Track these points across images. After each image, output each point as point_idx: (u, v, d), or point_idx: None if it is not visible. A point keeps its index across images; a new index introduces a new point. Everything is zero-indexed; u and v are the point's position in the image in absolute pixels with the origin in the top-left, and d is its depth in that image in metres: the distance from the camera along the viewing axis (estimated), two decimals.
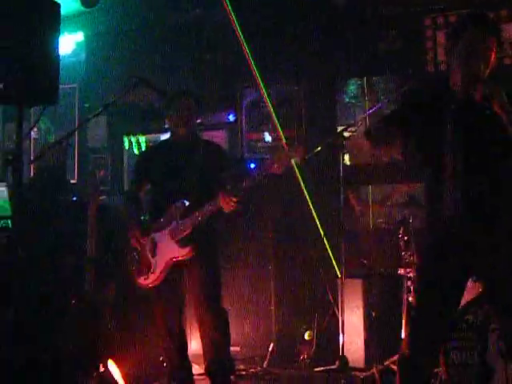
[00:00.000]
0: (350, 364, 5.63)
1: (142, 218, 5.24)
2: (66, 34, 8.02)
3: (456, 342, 4.76)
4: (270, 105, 7.12)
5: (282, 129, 7.07)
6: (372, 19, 6.84)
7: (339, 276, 5.98)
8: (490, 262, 3.55)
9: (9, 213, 6.27)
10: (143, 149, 8.04)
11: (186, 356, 5.18)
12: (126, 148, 8.28)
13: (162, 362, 5.48)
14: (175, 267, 4.95)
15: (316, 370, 6.04)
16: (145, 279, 5.03)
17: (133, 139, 8.20)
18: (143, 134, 8.14)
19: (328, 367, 5.84)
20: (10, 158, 4.18)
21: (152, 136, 8.02)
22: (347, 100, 6.96)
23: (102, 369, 4.75)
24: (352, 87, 6.94)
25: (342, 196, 5.51)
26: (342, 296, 5.54)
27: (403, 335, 5.36)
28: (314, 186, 6.76)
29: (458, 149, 3.54)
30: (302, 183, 6.72)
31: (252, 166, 6.98)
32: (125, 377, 4.94)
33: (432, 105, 3.70)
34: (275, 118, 7.09)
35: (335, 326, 5.76)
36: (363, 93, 6.87)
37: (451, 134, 3.56)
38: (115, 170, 8.41)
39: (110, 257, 5.59)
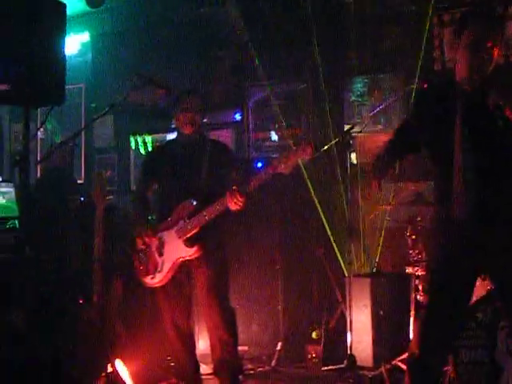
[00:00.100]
0: (358, 363, 5.63)
1: (150, 217, 5.24)
2: (71, 34, 8.03)
3: (465, 341, 4.75)
4: (276, 104, 7.11)
5: (288, 128, 7.06)
6: (378, 17, 6.82)
7: (347, 275, 5.99)
8: (502, 261, 3.54)
9: (16, 213, 6.29)
10: (150, 148, 8.04)
11: (194, 356, 5.18)
12: (133, 148, 8.28)
13: (170, 361, 5.48)
14: (182, 267, 4.95)
15: (324, 368, 6.03)
16: (152, 279, 5.02)
17: (139, 139, 8.21)
18: (149, 133, 8.15)
19: (336, 366, 5.85)
20: (18, 158, 4.18)
21: (158, 136, 8.02)
22: (353, 98, 6.94)
23: (109, 369, 4.75)
24: (358, 85, 6.92)
25: (349, 194, 5.51)
26: (349, 295, 5.54)
27: (411, 334, 5.35)
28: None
29: (466, 148, 3.53)
30: (308, 182, 6.71)
31: (259, 165, 6.98)
32: (132, 376, 4.94)
33: (439, 104, 3.70)
34: (281, 117, 7.08)
35: (343, 325, 5.76)
36: (370, 91, 6.85)
37: (460, 133, 3.55)
38: (122, 170, 8.42)
39: (117, 257, 5.58)
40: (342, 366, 5.63)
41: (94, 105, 8.51)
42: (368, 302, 6.02)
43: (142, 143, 8.18)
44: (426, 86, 4.31)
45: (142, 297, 5.43)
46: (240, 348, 5.32)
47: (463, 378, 4.77)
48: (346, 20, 6.93)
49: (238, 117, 7.58)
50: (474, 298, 4.41)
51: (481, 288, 4.45)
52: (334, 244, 6.47)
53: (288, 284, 6.68)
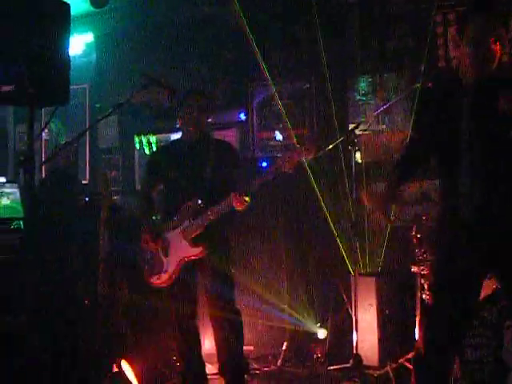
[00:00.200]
0: (364, 362, 5.61)
1: (154, 217, 5.24)
2: (75, 34, 8.02)
3: (470, 340, 4.74)
4: (280, 103, 7.10)
5: (292, 127, 7.05)
6: (382, 16, 6.81)
7: (352, 274, 5.98)
8: (508, 260, 3.53)
9: (21, 214, 6.30)
10: (154, 149, 8.04)
11: (200, 355, 5.17)
12: (137, 148, 8.28)
13: (176, 361, 5.48)
14: (188, 267, 4.94)
15: (330, 368, 6.03)
16: (157, 279, 5.02)
17: (143, 139, 8.20)
18: (154, 133, 8.14)
19: (342, 365, 5.85)
20: (22, 159, 4.18)
21: (163, 136, 8.02)
22: (358, 98, 6.94)
23: (115, 369, 4.75)
24: (363, 85, 6.91)
25: (354, 193, 5.50)
26: (355, 294, 5.53)
27: (417, 333, 5.34)
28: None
29: (474, 143, 3.52)
30: (313, 181, 6.70)
31: (264, 164, 6.99)
32: (138, 376, 4.94)
33: (445, 102, 3.70)
34: (286, 116, 7.07)
35: (349, 324, 5.75)
36: (374, 90, 6.84)
37: (467, 129, 3.55)
38: (126, 170, 8.42)
39: (123, 257, 5.58)
40: (348, 365, 5.62)
41: (98, 105, 8.51)
42: (373, 301, 6.01)
43: (147, 143, 8.18)
44: (430, 84, 4.31)
45: (147, 297, 5.42)
46: (245, 348, 5.31)
47: (469, 378, 4.77)
48: (351, 19, 6.93)
49: (242, 116, 7.57)
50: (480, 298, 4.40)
51: (486, 287, 4.44)
52: (340, 243, 6.46)
53: (293, 283, 6.68)
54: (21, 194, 6.57)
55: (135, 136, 8.26)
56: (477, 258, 3.56)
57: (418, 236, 5.51)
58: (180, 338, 5.08)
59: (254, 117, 7.49)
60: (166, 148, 5.63)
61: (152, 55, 7.98)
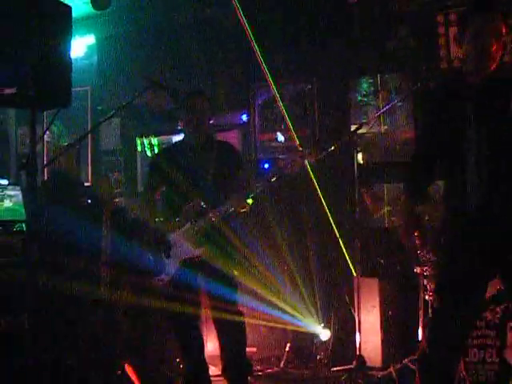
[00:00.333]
0: (368, 363, 5.62)
1: (157, 219, 5.24)
2: (77, 37, 8.02)
3: (474, 340, 4.74)
4: (282, 105, 7.10)
5: (294, 129, 7.04)
6: (384, 17, 6.80)
7: (355, 275, 5.97)
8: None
9: (23, 216, 6.30)
10: (156, 150, 8.04)
11: (203, 357, 5.17)
12: (139, 150, 8.28)
13: (179, 363, 5.48)
14: (190, 268, 4.94)
15: (333, 369, 6.04)
16: (159, 280, 5.02)
17: (145, 141, 8.20)
18: (155, 135, 8.14)
19: (345, 367, 5.84)
20: (24, 161, 4.18)
21: (164, 137, 8.02)
22: (360, 98, 6.93)
23: (118, 371, 4.75)
24: (364, 85, 6.91)
25: (356, 195, 5.50)
26: (358, 295, 5.53)
27: (420, 334, 5.34)
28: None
29: (478, 143, 3.52)
30: (315, 183, 6.70)
31: (266, 166, 6.98)
32: (141, 379, 4.93)
33: (447, 102, 3.70)
34: (288, 117, 7.07)
35: (352, 326, 5.75)
36: (376, 91, 6.84)
37: (471, 129, 3.55)
38: (129, 172, 8.42)
39: (125, 258, 5.58)
40: (351, 366, 5.62)
41: (100, 107, 8.52)
42: (376, 302, 6.02)
43: (148, 145, 8.18)
44: (433, 85, 4.31)
45: (149, 299, 5.41)
46: (248, 349, 5.31)
47: (473, 378, 4.77)
48: (352, 20, 6.93)
49: (244, 118, 7.57)
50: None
51: (490, 288, 4.43)
52: (342, 244, 6.46)
53: (296, 285, 6.67)
54: (23, 196, 6.57)
55: (137, 138, 8.26)
56: (480, 259, 3.56)
57: (421, 237, 5.50)
58: (183, 340, 5.08)
59: (256, 118, 7.49)
60: (168, 150, 5.62)
61: (153, 57, 7.98)
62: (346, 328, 6.23)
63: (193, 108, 5.07)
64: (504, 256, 3.55)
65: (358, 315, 5.51)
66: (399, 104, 6.38)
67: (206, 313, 5.30)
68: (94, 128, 7.96)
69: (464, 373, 4.81)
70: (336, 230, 6.55)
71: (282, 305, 6.53)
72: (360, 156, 6.38)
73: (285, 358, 6.36)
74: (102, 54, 8.59)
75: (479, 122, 3.54)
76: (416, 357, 5.12)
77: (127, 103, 5.16)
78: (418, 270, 5.42)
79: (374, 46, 6.84)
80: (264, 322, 6.56)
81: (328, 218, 6.60)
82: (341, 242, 6.47)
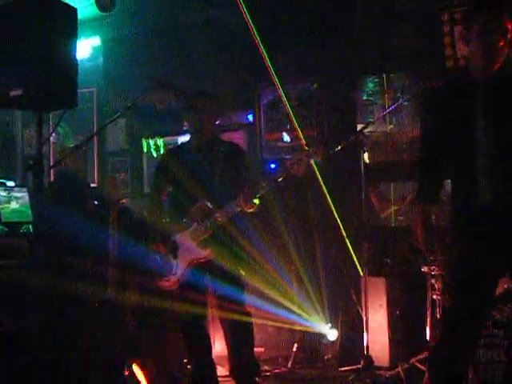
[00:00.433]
0: (375, 363, 5.60)
1: (163, 220, 5.24)
2: (82, 38, 8.04)
3: (482, 340, 4.73)
4: (288, 105, 7.09)
5: (300, 129, 7.04)
6: (389, 16, 6.79)
7: (362, 274, 5.96)
8: None
9: (30, 218, 6.30)
10: (161, 151, 8.04)
11: (210, 358, 5.17)
12: (145, 151, 8.28)
13: (186, 363, 5.48)
14: (197, 269, 4.94)
15: (341, 369, 6.03)
16: (166, 281, 5.02)
17: (151, 142, 8.21)
18: (161, 136, 8.15)
19: (353, 367, 5.83)
20: (31, 163, 4.19)
21: (170, 138, 8.02)
22: (365, 98, 6.92)
23: (126, 372, 4.75)
24: (370, 85, 6.90)
25: (363, 194, 5.49)
26: (365, 295, 5.52)
27: (428, 334, 5.33)
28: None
29: (489, 141, 3.51)
30: (322, 182, 6.69)
31: (272, 166, 6.98)
32: (149, 379, 4.93)
33: (455, 101, 3.69)
34: (294, 117, 7.06)
35: (359, 325, 5.74)
36: (382, 90, 6.83)
37: (480, 126, 3.54)
38: (135, 173, 8.43)
39: (132, 259, 5.59)
40: (359, 366, 5.61)
41: (105, 108, 8.53)
42: (384, 301, 6.01)
43: (154, 146, 8.18)
44: (439, 84, 4.30)
45: (157, 299, 5.42)
46: (256, 349, 5.31)
47: (481, 378, 4.75)
48: (358, 19, 6.91)
49: (250, 118, 7.57)
50: None
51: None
52: (349, 244, 6.45)
53: (303, 284, 6.67)
54: (30, 197, 6.57)
55: (143, 139, 8.26)
56: (488, 258, 3.55)
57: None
58: (190, 340, 5.08)
59: (262, 118, 7.49)
60: (174, 151, 5.63)
61: (159, 58, 7.98)
62: (353, 328, 6.22)
63: (198, 109, 5.07)
64: (510, 255, 3.54)
65: (366, 315, 5.50)
66: (405, 103, 6.38)
67: (213, 313, 5.31)
68: (102, 129, 7.96)
69: (472, 372, 4.80)
70: (343, 230, 6.54)
71: (289, 305, 6.52)
72: (366, 155, 6.37)
73: (292, 357, 6.35)
74: (107, 56, 8.60)
75: (486, 119, 3.53)
76: (424, 356, 5.14)
77: (133, 104, 5.16)
78: (425, 269, 5.40)
79: (379, 45, 6.83)
80: (271, 322, 6.55)
81: (334, 217, 6.59)
82: (347, 242, 6.46)
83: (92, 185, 8.42)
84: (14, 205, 6.46)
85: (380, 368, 5.75)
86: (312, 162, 4.77)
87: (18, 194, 6.55)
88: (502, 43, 3.57)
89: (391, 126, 6.67)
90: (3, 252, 5.45)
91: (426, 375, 3.75)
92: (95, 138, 8.27)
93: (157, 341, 5.53)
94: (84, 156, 6.82)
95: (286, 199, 6.75)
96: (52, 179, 7.98)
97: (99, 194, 6.38)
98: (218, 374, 5.31)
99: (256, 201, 4.66)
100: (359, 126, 6.19)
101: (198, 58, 7.78)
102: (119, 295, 4.93)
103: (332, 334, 6.42)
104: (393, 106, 6.02)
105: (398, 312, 5.96)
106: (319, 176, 6.63)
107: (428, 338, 5.30)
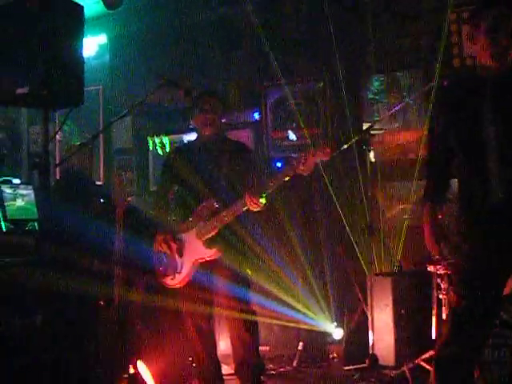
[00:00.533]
0: (381, 362, 5.61)
1: (170, 218, 5.24)
2: (89, 36, 8.04)
3: (489, 340, 4.70)
4: (294, 103, 7.09)
5: (306, 127, 7.03)
6: (396, 14, 6.78)
7: (368, 274, 5.96)
8: None
9: (35, 215, 6.31)
10: (167, 149, 8.05)
11: (216, 356, 5.17)
12: (151, 149, 8.29)
13: (191, 362, 5.47)
14: (203, 267, 4.94)
15: (346, 368, 6.01)
16: (172, 280, 5.02)
17: (157, 140, 8.21)
18: (167, 134, 8.15)
19: (358, 366, 5.83)
20: (37, 160, 4.19)
21: (176, 136, 8.02)
22: (371, 97, 6.91)
23: (131, 370, 4.75)
24: (376, 83, 6.89)
25: (369, 193, 5.49)
26: (371, 294, 5.52)
27: (434, 333, 5.32)
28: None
29: (500, 140, 3.50)
30: (328, 181, 6.69)
31: (278, 164, 6.97)
32: (154, 378, 4.93)
33: (464, 100, 3.68)
34: (300, 116, 7.05)
35: (365, 324, 5.74)
36: (388, 89, 6.82)
37: (491, 126, 3.52)
38: (141, 171, 8.43)
39: (138, 258, 5.58)
40: (364, 365, 5.61)
41: (110, 107, 8.54)
42: (389, 300, 5.99)
43: (160, 144, 8.18)
44: (447, 83, 4.28)
45: (163, 298, 5.41)
46: (261, 348, 5.31)
47: (487, 378, 4.74)
48: (364, 18, 6.91)
49: (256, 116, 7.57)
50: None
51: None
52: (355, 243, 6.44)
53: (309, 283, 6.67)
54: (35, 195, 6.58)
55: (148, 137, 8.26)
56: (498, 257, 3.53)
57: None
58: (195, 338, 5.07)
59: (269, 117, 7.49)
60: (180, 149, 5.62)
61: (165, 56, 7.99)
62: (359, 327, 6.22)
63: (205, 107, 5.07)
64: None
65: (371, 314, 5.50)
66: (411, 102, 6.37)
67: (218, 312, 5.30)
68: (108, 127, 7.97)
69: (478, 372, 4.78)
70: (348, 229, 6.53)
71: (294, 303, 6.52)
72: (372, 154, 6.37)
73: (297, 356, 6.34)
74: (113, 53, 8.61)
75: (496, 118, 3.52)
76: (430, 356, 5.13)
77: (140, 102, 5.16)
78: (431, 268, 5.40)
79: (385, 44, 6.82)
80: (277, 321, 6.55)
81: (340, 216, 6.59)
82: (353, 241, 6.45)
83: (98, 183, 8.42)
84: (19, 202, 6.48)
85: (385, 367, 5.74)
86: (318, 160, 4.75)
87: (24, 192, 6.57)
88: (507, 41, 3.55)
89: (397, 125, 6.66)
90: (8, 249, 5.45)
91: (432, 375, 3.72)
92: (101, 135, 8.27)
93: (162, 339, 5.52)
94: (90, 154, 6.82)
95: (292, 198, 6.74)
96: (58, 177, 8.00)
97: (105, 192, 6.39)
98: (223, 372, 5.31)
99: (262, 200, 4.65)
100: (365, 125, 6.18)
101: (205, 56, 7.79)
102: (124, 294, 4.92)
103: (337, 333, 6.42)
104: (398, 105, 6.01)
105: (403, 311, 5.94)
106: (325, 175, 6.62)
107: (434, 337, 5.30)
